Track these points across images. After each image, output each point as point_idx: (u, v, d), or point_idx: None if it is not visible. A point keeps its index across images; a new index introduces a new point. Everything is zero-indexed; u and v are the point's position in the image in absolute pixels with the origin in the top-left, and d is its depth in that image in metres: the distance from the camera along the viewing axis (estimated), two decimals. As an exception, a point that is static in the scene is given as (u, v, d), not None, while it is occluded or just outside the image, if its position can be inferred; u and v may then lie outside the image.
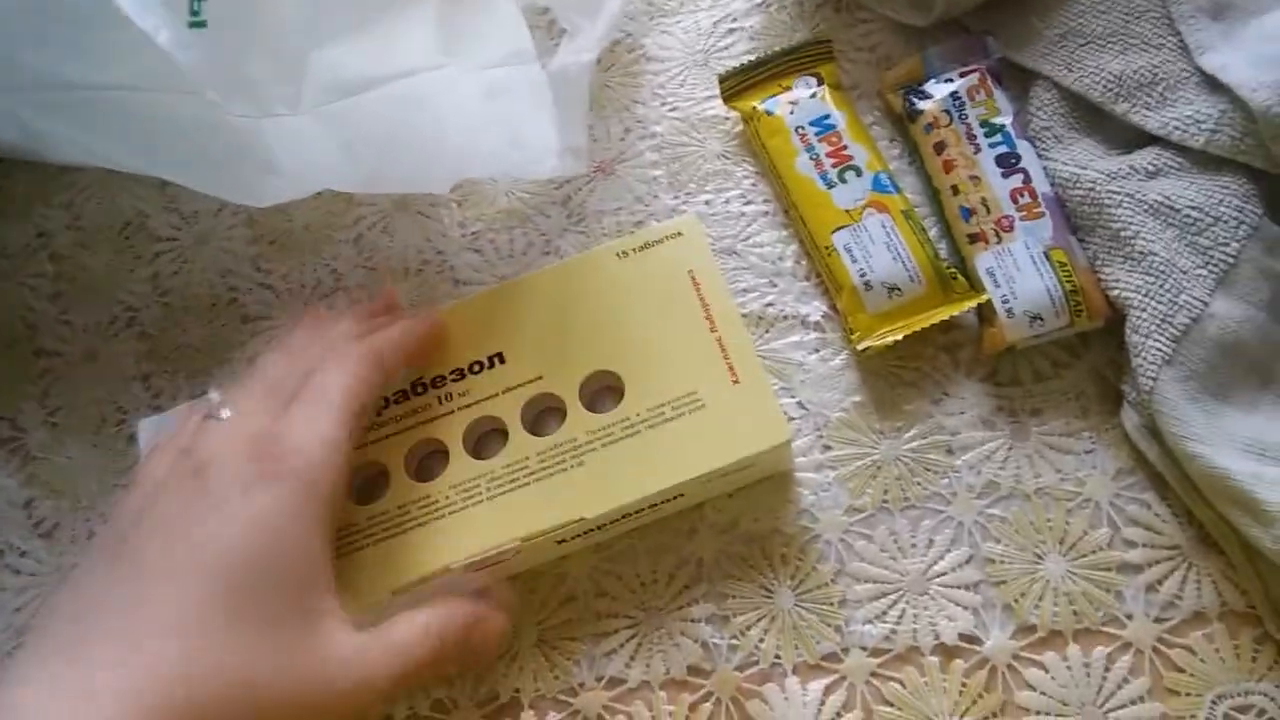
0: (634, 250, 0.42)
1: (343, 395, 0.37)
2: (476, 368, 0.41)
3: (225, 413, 0.36)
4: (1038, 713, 0.37)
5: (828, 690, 0.38)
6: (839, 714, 0.37)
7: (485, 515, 0.38)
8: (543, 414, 0.41)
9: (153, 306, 0.49)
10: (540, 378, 0.40)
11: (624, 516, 0.39)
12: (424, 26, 0.38)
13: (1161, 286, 0.38)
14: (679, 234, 0.42)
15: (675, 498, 0.39)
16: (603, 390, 0.41)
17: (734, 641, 0.39)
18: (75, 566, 0.37)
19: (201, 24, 0.39)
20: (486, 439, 0.41)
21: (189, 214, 0.50)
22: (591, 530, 0.39)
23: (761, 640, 0.39)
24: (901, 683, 0.38)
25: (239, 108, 0.38)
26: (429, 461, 0.41)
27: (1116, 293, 0.39)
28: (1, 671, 0.31)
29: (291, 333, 0.40)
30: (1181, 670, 0.36)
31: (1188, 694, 0.36)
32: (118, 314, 0.49)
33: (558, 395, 0.40)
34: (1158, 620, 0.37)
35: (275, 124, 0.39)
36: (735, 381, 0.39)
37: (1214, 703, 0.36)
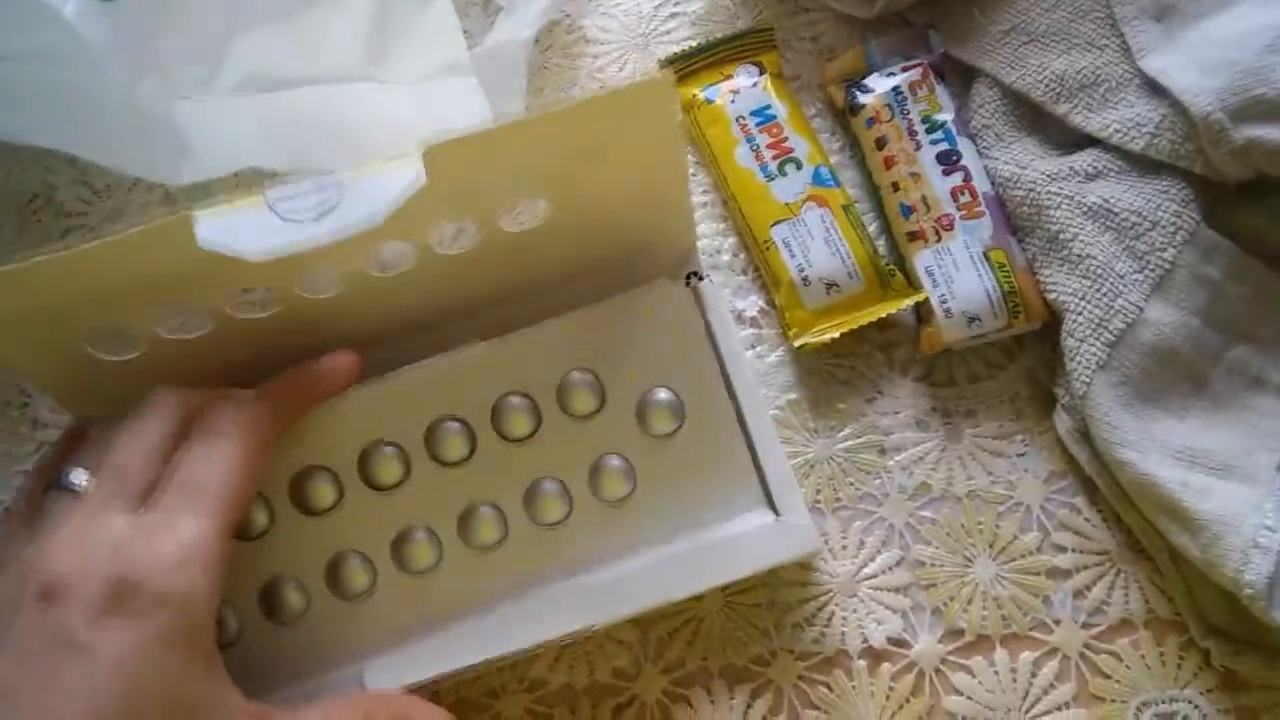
0: None
1: (220, 488, 0.31)
2: None
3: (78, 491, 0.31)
4: (964, 718, 0.37)
5: (754, 694, 0.37)
6: (765, 718, 0.37)
7: None
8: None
9: (62, 287, 0.46)
10: None
11: None
12: (353, 29, 0.35)
13: (1098, 290, 0.38)
14: None
15: None
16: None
17: (656, 647, 0.38)
18: None
19: (111, -4, 0.37)
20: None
21: (100, 188, 0.48)
22: None
23: (689, 644, 0.38)
24: (829, 686, 0.37)
25: (148, 87, 0.36)
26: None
27: (1054, 295, 0.39)
28: None
29: (148, 404, 0.33)
30: (1107, 676, 0.37)
31: (1113, 700, 0.36)
32: (24, 294, 0.47)
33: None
34: (1085, 626, 0.37)
35: (186, 106, 0.37)
36: None
37: (1139, 709, 0.36)
